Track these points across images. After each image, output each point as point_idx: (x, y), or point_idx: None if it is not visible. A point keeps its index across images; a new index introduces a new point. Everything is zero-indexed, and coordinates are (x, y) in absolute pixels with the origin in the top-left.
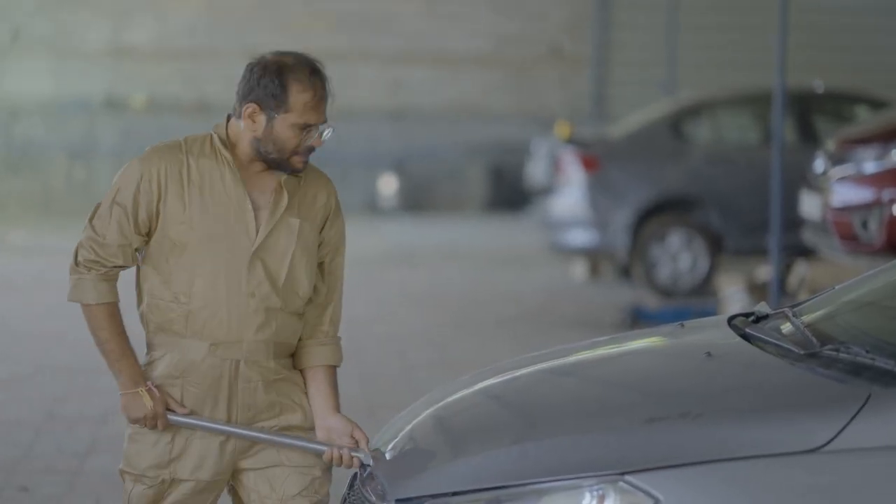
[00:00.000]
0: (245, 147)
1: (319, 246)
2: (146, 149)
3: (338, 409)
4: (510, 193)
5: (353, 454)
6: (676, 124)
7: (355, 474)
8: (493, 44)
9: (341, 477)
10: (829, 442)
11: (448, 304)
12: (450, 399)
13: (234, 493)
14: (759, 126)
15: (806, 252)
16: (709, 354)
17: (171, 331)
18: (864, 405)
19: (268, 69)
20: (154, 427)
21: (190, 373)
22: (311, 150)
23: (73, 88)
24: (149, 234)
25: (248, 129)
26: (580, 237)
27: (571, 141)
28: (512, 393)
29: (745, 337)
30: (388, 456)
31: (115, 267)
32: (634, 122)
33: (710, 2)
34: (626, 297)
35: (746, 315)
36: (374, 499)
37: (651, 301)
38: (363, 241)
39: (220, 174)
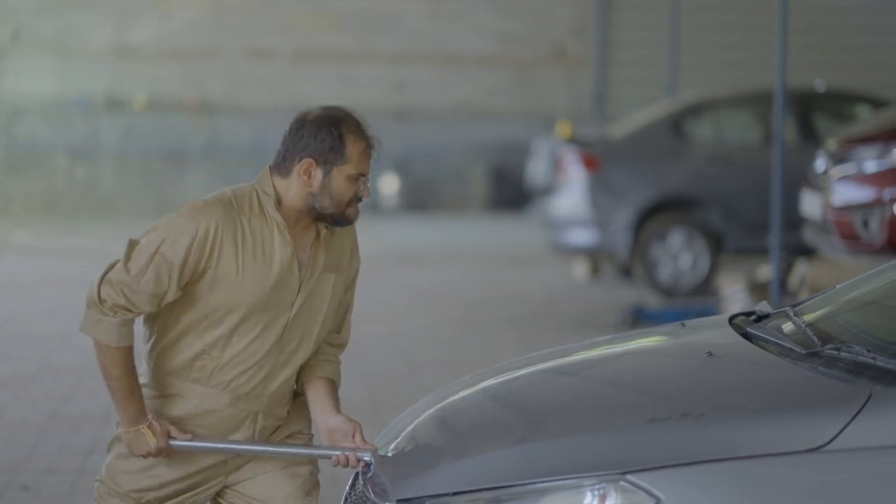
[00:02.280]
0: (295, 204)
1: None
2: (195, 203)
3: (338, 410)
4: (512, 193)
5: (359, 456)
6: (677, 124)
7: (357, 473)
8: (495, 44)
9: (343, 476)
10: (830, 441)
11: (450, 304)
12: (451, 399)
13: None
14: (759, 125)
15: (807, 251)
16: (710, 354)
17: (188, 378)
18: (865, 404)
19: (322, 123)
20: (159, 458)
21: (204, 419)
22: (360, 200)
23: (76, 88)
24: (186, 287)
25: (302, 185)
26: (581, 237)
27: (573, 140)
28: (513, 393)
29: (747, 336)
30: (389, 456)
31: (139, 311)
32: (636, 122)
33: (711, 2)
34: (627, 296)
35: (747, 314)
36: (375, 498)
37: (652, 300)
38: (365, 240)
39: (270, 236)
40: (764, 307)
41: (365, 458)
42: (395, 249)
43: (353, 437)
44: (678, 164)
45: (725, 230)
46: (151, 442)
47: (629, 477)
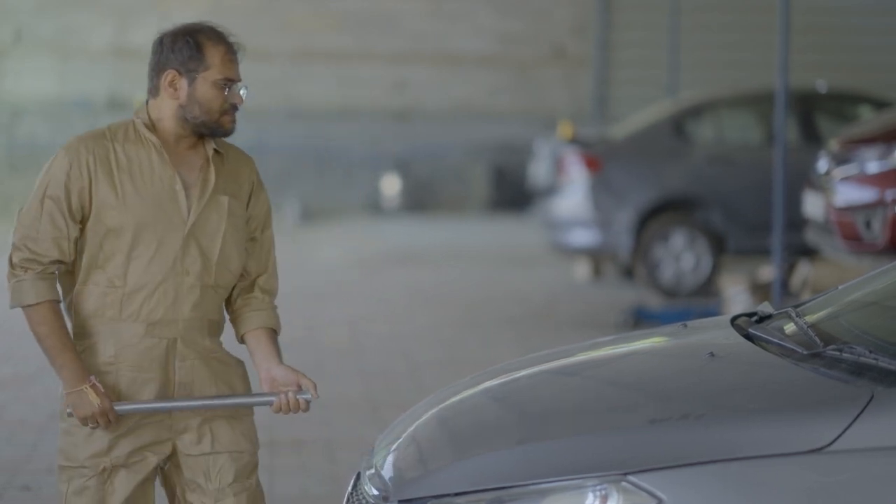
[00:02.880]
0: (169, 122)
1: (247, 221)
2: (68, 141)
3: (280, 360)
4: (513, 193)
5: (299, 397)
6: (679, 124)
7: (358, 474)
8: (496, 44)
9: (344, 475)
10: (832, 442)
11: (451, 304)
12: (453, 400)
13: (165, 480)
14: (761, 126)
15: (809, 252)
16: (712, 355)
17: (104, 316)
18: (867, 405)
19: (178, 35)
20: (106, 424)
21: (125, 356)
22: (236, 108)
23: (77, 88)
24: (83, 222)
25: (170, 98)
26: (583, 237)
27: (574, 141)
28: (515, 393)
29: (748, 337)
30: (391, 456)
31: (51, 262)
32: (637, 122)
33: (711, 2)
34: (628, 297)
35: (749, 315)
36: (376, 499)
37: (654, 301)
38: (366, 241)
39: (147, 157)
40: (766, 308)
41: (306, 398)
42: (396, 249)
43: (297, 384)
44: (679, 165)
45: (727, 231)
46: (95, 402)
47: (631, 477)
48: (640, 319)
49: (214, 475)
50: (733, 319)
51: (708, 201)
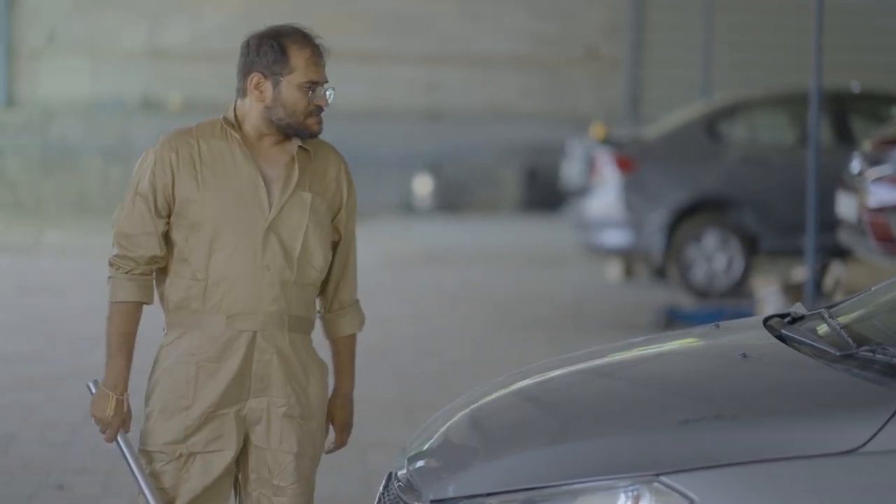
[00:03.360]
0: (255, 121)
1: (334, 219)
2: (159, 138)
3: (346, 390)
4: (545, 194)
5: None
6: (712, 125)
7: (390, 474)
8: (528, 45)
9: (376, 477)
10: (865, 443)
11: (483, 304)
12: (485, 400)
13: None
14: (794, 126)
15: (842, 253)
16: (744, 355)
17: (189, 308)
18: None
19: (263, 38)
20: (106, 435)
21: (207, 348)
22: (321, 110)
23: (110, 89)
24: (169, 217)
25: (256, 101)
26: (615, 238)
27: (606, 141)
28: (547, 394)
29: (781, 338)
30: (423, 456)
31: (145, 262)
32: (670, 123)
33: (745, 2)
34: (660, 297)
35: (782, 316)
36: (408, 499)
37: (686, 302)
38: (398, 241)
39: (230, 153)
40: (799, 309)
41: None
42: (428, 250)
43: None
44: (713, 165)
45: (760, 231)
46: (110, 413)
47: (663, 478)
48: (673, 320)
49: (278, 472)
50: (766, 320)
51: (741, 202)
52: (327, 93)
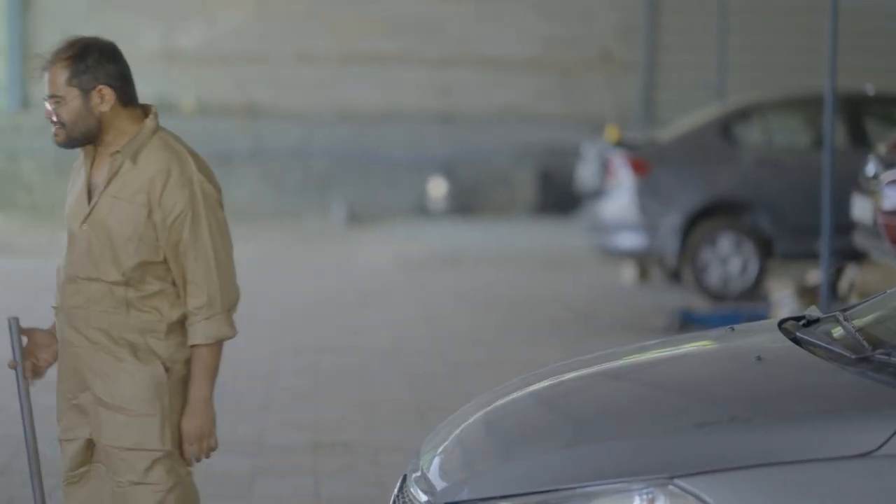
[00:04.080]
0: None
1: (163, 222)
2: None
3: (196, 402)
4: (559, 197)
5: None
6: (726, 127)
7: (404, 476)
8: (542, 47)
9: (390, 480)
10: (880, 447)
11: (497, 307)
12: (499, 402)
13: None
14: (809, 129)
15: (857, 255)
16: (759, 358)
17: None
18: None
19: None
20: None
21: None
22: (51, 121)
23: None
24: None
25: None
26: (629, 240)
27: (621, 144)
28: (561, 396)
29: (796, 341)
30: (437, 459)
31: None
32: (684, 126)
33: (759, 5)
34: (675, 300)
35: (797, 319)
36: (422, 501)
37: (700, 305)
38: (412, 243)
39: (82, 159)
40: (813, 312)
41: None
42: (442, 252)
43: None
44: (727, 168)
45: (775, 234)
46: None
47: (677, 481)
48: (687, 323)
49: (111, 468)
50: (781, 323)
51: (755, 205)
52: (46, 105)
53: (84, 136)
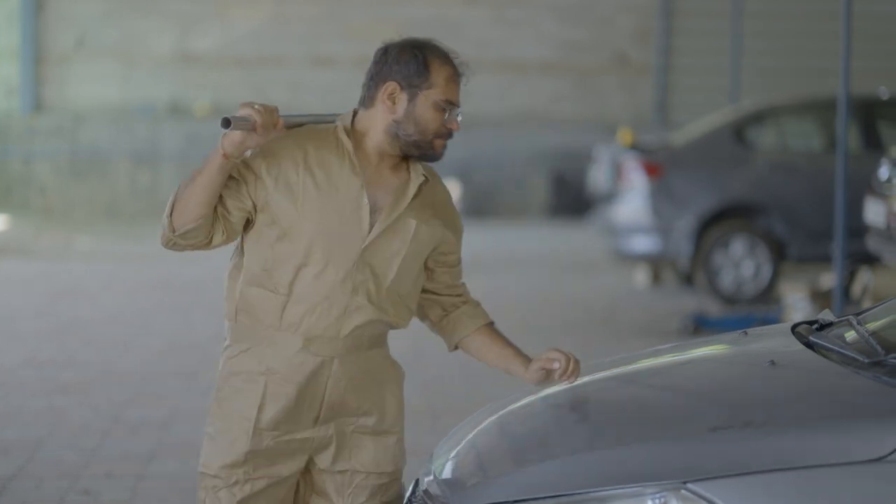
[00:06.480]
0: (378, 136)
1: (437, 248)
2: None
3: (520, 356)
4: (573, 200)
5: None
6: (740, 131)
7: (417, 480)
8: (557, 51)
9: (404, 480)
10: (893, 451)
11: (511, 310)
12: (512, 407)
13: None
14: (823, 133)
15: (870, 259)
16: (772, 363)
17: (261, 322)
18: None
19: (406, 47)
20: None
21: (277, 369)
22: (451, 134)
23: (139, 94)
24: (254, 210)
25: (385, 112)
26: (643, 244)
27: (634, 147)
28: (574, 401)
29: (809, 345)
30: (450, 463)
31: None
32: (698, 129)
33: (773, 9)
34: (688, 304)
35: (810, 323)
36: None
37: (714, 308)
38: None
39: (338, 165)
40: (827, 315)
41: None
42: None
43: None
44: (741, 172)
45: (788, 238)
46: (236, 135)
47: (690, 486)
48: (700, 327)
49: (347, 493)
50: (794, 327)
51: (769, 208)
52: (458, 117)
53: None
